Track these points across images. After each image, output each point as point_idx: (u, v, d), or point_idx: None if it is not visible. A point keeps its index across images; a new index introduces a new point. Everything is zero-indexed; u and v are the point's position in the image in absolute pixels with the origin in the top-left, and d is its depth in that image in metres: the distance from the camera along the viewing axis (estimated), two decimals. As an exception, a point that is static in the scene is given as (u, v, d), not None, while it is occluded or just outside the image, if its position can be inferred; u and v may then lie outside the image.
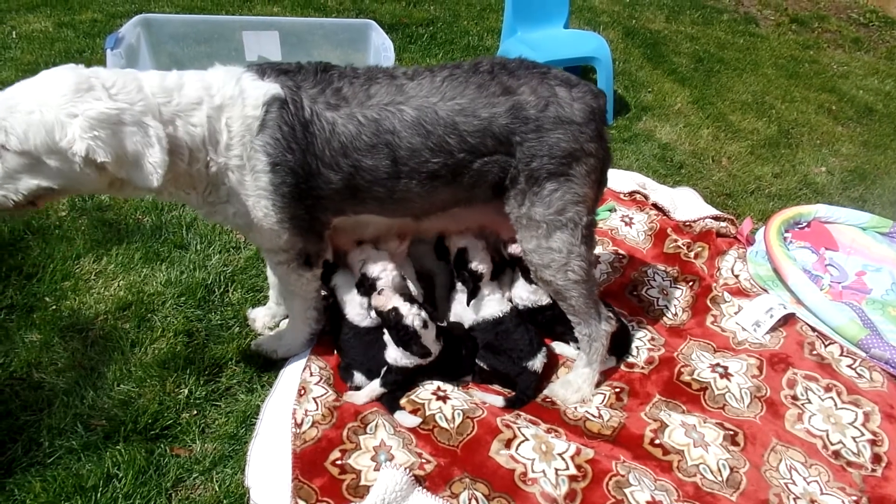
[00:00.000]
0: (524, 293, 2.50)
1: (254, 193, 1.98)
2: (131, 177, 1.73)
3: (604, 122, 2.11)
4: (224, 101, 1.87)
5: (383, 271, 2.28)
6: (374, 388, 2.26)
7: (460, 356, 2.36)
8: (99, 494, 1.90)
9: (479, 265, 2.38)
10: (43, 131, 1.62)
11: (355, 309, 2.35)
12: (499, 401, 2.30)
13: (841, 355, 2.58)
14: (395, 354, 2.23)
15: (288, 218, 2.05)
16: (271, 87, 1.91)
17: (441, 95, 1.98)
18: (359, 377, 2.31)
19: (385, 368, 2.26)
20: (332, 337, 2.48)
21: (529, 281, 2.43)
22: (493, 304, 2.46)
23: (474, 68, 2.04)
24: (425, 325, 2.17)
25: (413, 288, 2.37)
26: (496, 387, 2.42)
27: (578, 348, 2.47)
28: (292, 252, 2.20)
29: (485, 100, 1.98)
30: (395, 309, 2.18)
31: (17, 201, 1.73)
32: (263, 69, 1.97)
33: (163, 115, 1.78)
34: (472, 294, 2.41)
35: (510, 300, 2.53)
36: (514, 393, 2.36)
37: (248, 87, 1.90)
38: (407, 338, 2.16)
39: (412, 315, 2.16)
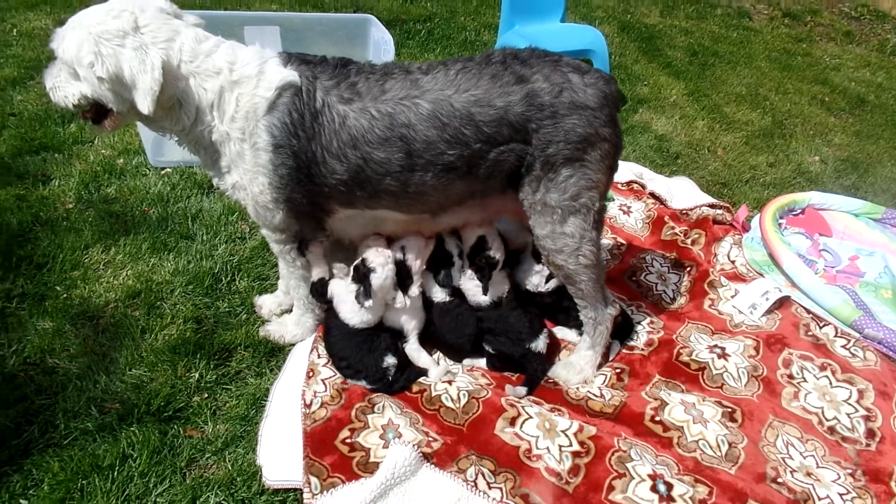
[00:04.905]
0: (528, 276, 2.56)
1: (252, 168, 2.06)
2: (129, 97, 1.92)
3: (616, 107, 2.13)
4: (241, 77, 1.98)
5: (383, 264, 2.30)
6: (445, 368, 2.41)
7: (466, 333, 2.42)
8: (115, 473, 1.95)
9: (497, 253, 2.42)
10: (74, 45, 1.85)
11: (348, 307, 2.36)
12: (521, 391, 2.34)
13: (835, 336, 2.64)
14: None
15: (284, 199, 2.12)
16: (289, 74, 1.99)
17: (456, 88, 2.01)
18: (352, 382, 2.31)
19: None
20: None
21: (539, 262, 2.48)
22: (490, 290, 2.50)
23: (487, 60, 2.07)
24: (387, 282, 2.29)
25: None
26: (508, 374, 2.46)
27: (580, 333, 2.53)
28: (289, 233, 2.28)
29: (499, 89, 2.01)
30: (364, 260, 2.31)
31: (74, 104, 1.98)
32: (289, 57, 2.06)
33: (179, 70, 1.93)
34: (487, 281, 2.44)
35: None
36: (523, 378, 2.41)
37: (268, 71, 2.00)
38: (363, 272, 2.27)
39: (382, 265, 2.27)
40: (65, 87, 1.96)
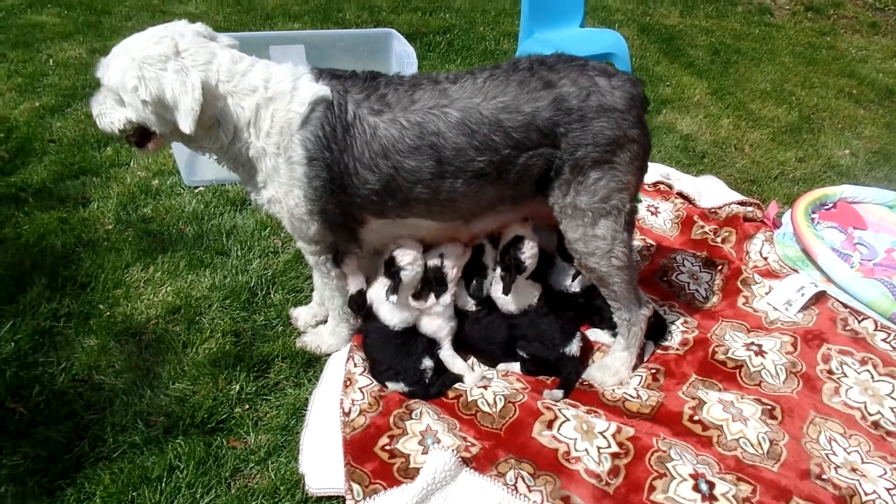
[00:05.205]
0: (559, 277, 2.57)
1: (287, 182, 2.11)
2: (171, 119, 1.99)
3: (644, 108, 2.14)
4: (275, 94, 2.05)
5: (411, 263, 2.34)
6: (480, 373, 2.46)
7: (496, 341, 2.43)
8: (163, 484, 2.00)
9: (528, 259, 2.40)
10: (119, 71, 1.94)
11: (385, 308, 2.41)
12: (558, 394, 2.35)
13: (875, 330, 2.59)
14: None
15: (318, 211, 2.17)
16: (321, 89, 2.05)
17: (484, 95, 2.05)
18: (391, 385, 2.35)
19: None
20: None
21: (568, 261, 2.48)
22: (519, 297, 2.49)
23: (514, 67, 2.10)
24: (414, 278, 2.35)
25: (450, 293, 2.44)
26: (543, 378, 2.47)
27: (613, 335, 2.52)
28: (323, 245, 2.33)
29: (527, 95, 2.04)
30: (394, 259, 2.35)
31: (120, 129, 2.08)
32: (321, 72, 2.13)
33: (217, 89, 2.00)
34: (509, 284, 2.42)
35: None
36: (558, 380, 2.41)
37: (301, 87, 2.06)
38: (393, 271, 2.32)
39: (410, 264, 2.32)
40: (111, 113, 2.05)
